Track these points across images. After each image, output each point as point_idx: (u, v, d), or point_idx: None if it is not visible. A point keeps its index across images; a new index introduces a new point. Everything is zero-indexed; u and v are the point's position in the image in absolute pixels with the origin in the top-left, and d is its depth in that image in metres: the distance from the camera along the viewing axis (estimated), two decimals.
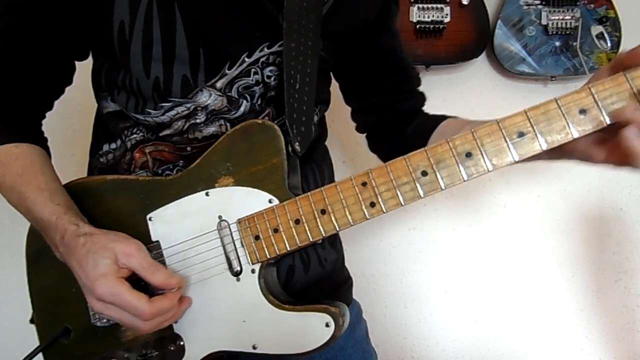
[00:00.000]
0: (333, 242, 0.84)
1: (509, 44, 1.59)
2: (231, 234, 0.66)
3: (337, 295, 0.83)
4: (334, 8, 0.74)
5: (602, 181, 1.69)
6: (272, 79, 0.72)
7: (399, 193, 0.59)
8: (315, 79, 0.72)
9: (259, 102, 0.73)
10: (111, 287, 0.59)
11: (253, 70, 0.71)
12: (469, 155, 0.56)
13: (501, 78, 1.69)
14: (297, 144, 0.69)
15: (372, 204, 0.61)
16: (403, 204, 0.60)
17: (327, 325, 0.63)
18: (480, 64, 1.68)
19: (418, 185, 0.59)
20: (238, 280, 0.66)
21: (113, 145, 0.79)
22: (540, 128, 0.54)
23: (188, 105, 0.70)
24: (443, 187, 0.58)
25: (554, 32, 1.57)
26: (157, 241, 0.70)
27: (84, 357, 0.72)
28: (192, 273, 0.68)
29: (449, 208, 1.64)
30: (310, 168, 0.80)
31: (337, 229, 0.62)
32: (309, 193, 0.64)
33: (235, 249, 0.66)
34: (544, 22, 1.57)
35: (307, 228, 0.63)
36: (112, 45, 0.68)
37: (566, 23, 1.56)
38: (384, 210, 0.60)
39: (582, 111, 0.52)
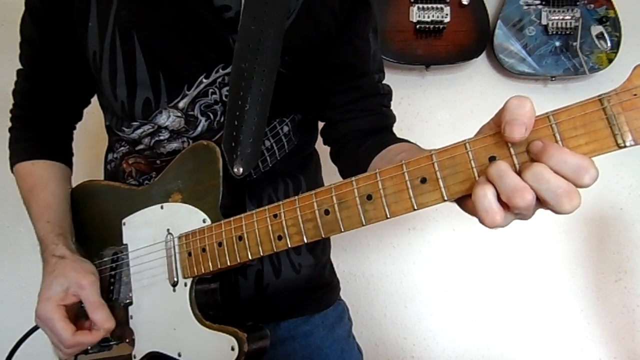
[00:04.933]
0: (312, 248, 0.84)
1: (509, 44, 1.59)
2: (174, 247, 0.70)
3: (310, 299, 0.84)
4: (295, 22, 0.74)
5: (602, 181, 1.68)
6: None
7: (303, 230, 0.57)
8: (269, 98, 0.71)
9: (221, 120, 0.75)
10: (47, 312, 0.68)
11: (211, 90, 0.74)
12: (369, 197, 0.51)
13: (501, 78, 1.70)
14: (238, 166, 0.69)
15: (280, 237, 0.59)
16: (305, 241, 0.57)
17: (232, 348, 0.63)
18: (480, 64, 1.68)
19: (320, 224, 0.55)
20: (174, 290, 0.70)
21: (115, 155, 0.85)
22: (443, 174, 0.47)
23: (152, 124, 0.76)
24: (342, 230, 0.54)
25: (554, 32, 1.57)
26: (126, 244, 0.76)
27: None
28: (145, 277, 0.73)
29: (449, 208, 1.63)
30: (283, 180, 0.80)
31: (250, 257, 0.62)
32: (232, 218, 0.64)
33: (175, 262, 0.70)
34: (544, 22, 1.57)
35: (226, 252, 0.64)
36: (93, 72, 0.77)
37: (566, 23, 1.56)
38: (289, 245, 0.58)
39: (492, 158, 0.44)
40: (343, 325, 0.88)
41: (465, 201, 0.47)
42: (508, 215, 0.42)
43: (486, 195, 0.42)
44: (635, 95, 0.39)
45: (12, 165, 0.84)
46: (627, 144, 0.40)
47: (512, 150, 0.43)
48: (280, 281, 0.79)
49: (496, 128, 0.44)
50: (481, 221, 0.43)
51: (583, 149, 0.41)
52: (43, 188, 0.80)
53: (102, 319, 0.69)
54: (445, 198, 0.47)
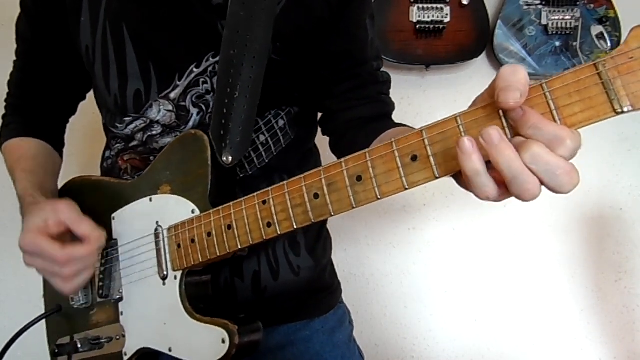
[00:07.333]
0: (312, 249, 0.82)
1: (509, 44, 1.59)
2: (163, 239, 0.69)
3: (310, 302, 0.82)
4: (287, 8, 0.73)
5: (602, 181, 1.69)
6: None
7: (292, 215, 0.55)
8: (259, 85, 0.70)
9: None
10: (31, 238, 0.66)
11: (202, 79, 0.73)
12: (359, 178, 0.49)
13: None
14: (227, 155, 0.68)
15: (269, 224, 0.57)
16: (295, 227, 0.55)
17: (223, 341, 0.62)
18: (480, 64, 1.68)
19: (309, 209, 0.54)
20: (164, 284, 0.69)
21: (111, 152, 0.85)
22: (434, 150, 0.45)
23: (144, 119, 0.75)
24: (332, 213, 0.52)
25: (554, 32, 1.57)
26: (116, 239, 0.76)
27: (67, 331, 0.81)
28: (135, 272, 0.73)
29: (448, 208, 1.64)
30: (279, 176, 0.79)
31: (239, 246, 0.60)
32: (220, 207, 0.62)
33: (165, 255, 0.69)
34: (544, 22, 1.57)
35: (215, 242, 0.63)
36: (86, 67, 0.76)
37: (566, 23, 1.56)
38: (278, 232, 0.57)
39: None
40: (344, 330, 0.86)
41: (460, 175, 0.46)
42: (506, 195, 0.42)
43: (479, 174, 0.41)
44: (631, 58, 0.38)
45: (0, 145, 0.83)
46: (625, 109, 0.38)
47: (504, 121, 0.41)
48: (279, 284, 0.77)
49: (489, 99, 0.42)
50: (476, 195, 0.44)
51: (579, 116, 0.39)
52: (32, 157, 0.79)
53: (87, 229, 0.67)
54: (437, 175, 0.45)
